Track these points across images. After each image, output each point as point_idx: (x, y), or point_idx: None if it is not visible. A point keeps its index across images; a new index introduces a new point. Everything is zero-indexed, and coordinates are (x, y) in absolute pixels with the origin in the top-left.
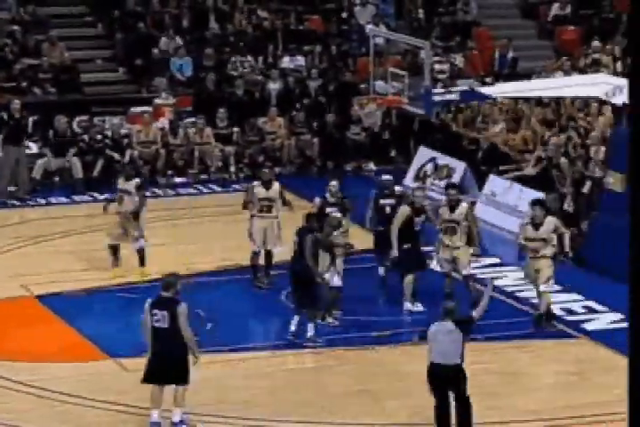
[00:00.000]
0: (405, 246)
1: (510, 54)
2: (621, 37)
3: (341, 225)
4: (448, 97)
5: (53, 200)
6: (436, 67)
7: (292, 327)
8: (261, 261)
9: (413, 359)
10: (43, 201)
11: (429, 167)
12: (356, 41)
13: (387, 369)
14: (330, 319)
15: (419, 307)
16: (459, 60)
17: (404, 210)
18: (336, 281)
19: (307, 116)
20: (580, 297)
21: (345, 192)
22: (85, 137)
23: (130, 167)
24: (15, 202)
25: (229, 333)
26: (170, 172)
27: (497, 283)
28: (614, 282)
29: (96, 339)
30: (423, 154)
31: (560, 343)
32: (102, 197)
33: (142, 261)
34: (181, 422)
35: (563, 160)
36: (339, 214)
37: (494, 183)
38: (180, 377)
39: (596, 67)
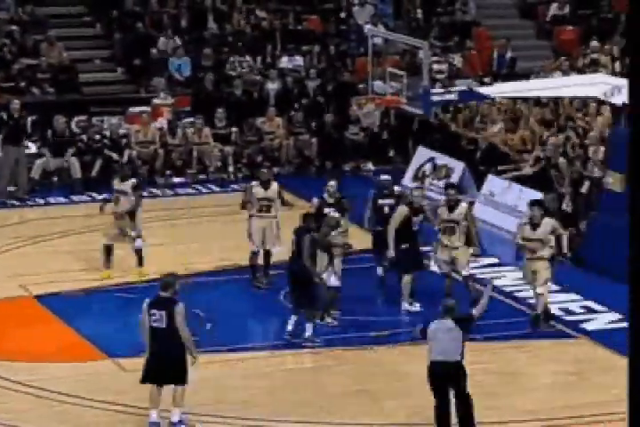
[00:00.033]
0: (403, 246)
1: (509, 54)
2: (620, 37)
3: (339, 225)
4: (446, 97)
5: (52, 200)
6: (435, 67)
7: (290, 327)
8: (260, 261)
9: (412, 359)
10: (41, 201)
11: (428, 167)
12: (354, 41)
13: (385, 369)
14: (329, 319)
15: (416, 307)
16: (457, 60)
17: (402, 210)
18: (334, 281)
19: (305, 116)
20: (578, 297)
21: (343, 192)
22: (84, 137)
23: (126, 168)
24: (15, 202)
25: (228, 333)
26: (168, 172)
27: (495, 283)
28: (613, 282)
29: (94, 339)
30: (422, 154)
31: (559, 343)
32: (101, 197)
33: (140, 262)
34: (180, 422)
35: (561, 160)
36: (337, 214)
37: (493, 183)
38: (179, 377)
39: (594, 67)
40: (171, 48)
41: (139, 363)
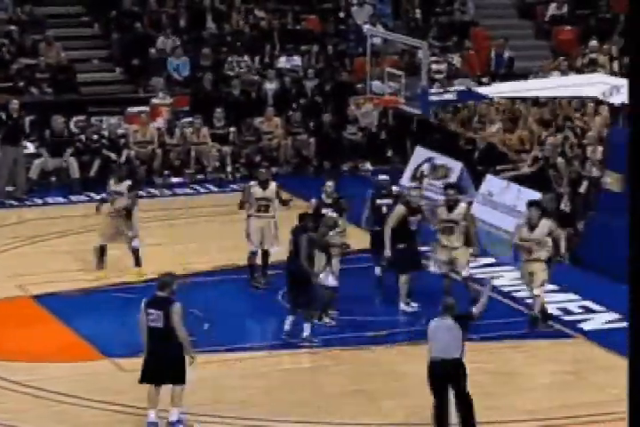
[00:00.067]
0: (400, 246)
1: (507, 54)
2: (618, 37)
3: (337, 225)
4: (445, 97)
5: (50, 200)
6: (433, 67)
7: (286, 327)
8: (259, 261)
9: (410, 359)
10: (40, 201)
11: (426, 167)
12: (353, 41)
13: (383, 369)
14: (327, 319)
15: (414, 307)
16: (456, 60)
17: (399, 209)
18: (331, 281)
19: (303, 116)
20: (576, 297)
21: (341, 192)
22: (82, 137)
23: (123, 168)
24: (13, 202)
25: (226, 333)
26: (166, 172)
27: (493, 283)
28: (611, 282)
29: (93, 339)
30: (420, 154)
31: (557, 343)
32: (99, 196)
33: (137, 262)
34: (178, 421)
35: (559, 160)
36: (335, 214)
37: (491, 183)
38: (177, 377)
39: (592, 67)
40: (169, 48)
41: (137, 363)
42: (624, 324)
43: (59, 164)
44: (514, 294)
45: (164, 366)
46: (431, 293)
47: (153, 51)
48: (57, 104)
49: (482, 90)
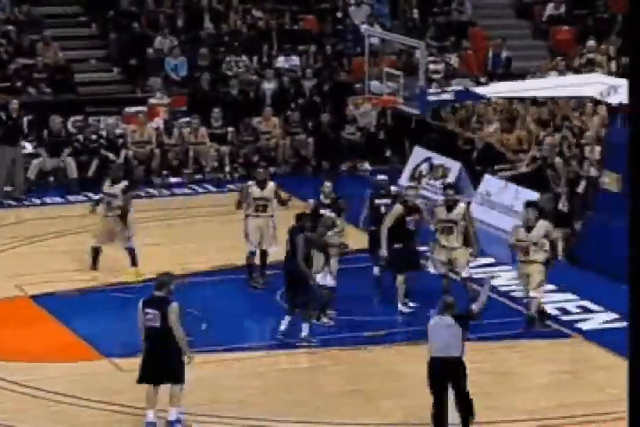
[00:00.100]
0: (397, 246)
1: (504, 54)
2: (616, 37)
3: (335, 225)
4: (443, 97)
5: (48, 200)
6: (431, 67)
7: (282, 327)
8: (257, 260)
9: (408, 359)
10: (38, 201)
11: (424, 167)
12: (350, 41)
13: (381, 369)
14: (325, 319)
15: (411, 308)
16: (453, 60)
17: (397, 208)
18: (329, 281)
19: (301, 115)
20: (574, 297)
21: (340, 192)
22: (80, 137)
23: (118, 170)
24: (11, 202)
25: (224, 332)
26: (164, 172)
27: (492, 282)
28: (609, 282)
29: (91, 339)
30: (418, 154)
31: (554, 343)
32: (97, 197)
33: (134, 261)
34: (177, 421)
35: (557, 160)
36: (333, 215)
37: (489, 183)
38: (175, 376)
39: (590, 66)
40: (167, 48)
41: (135, 363)
42: (622, 324)
43: (57, 164)
44: (512, 294)
45: (163, 365)
46: (430, 293)
47: (150, 51)
48: (55, 104)
49: (479, 90)
